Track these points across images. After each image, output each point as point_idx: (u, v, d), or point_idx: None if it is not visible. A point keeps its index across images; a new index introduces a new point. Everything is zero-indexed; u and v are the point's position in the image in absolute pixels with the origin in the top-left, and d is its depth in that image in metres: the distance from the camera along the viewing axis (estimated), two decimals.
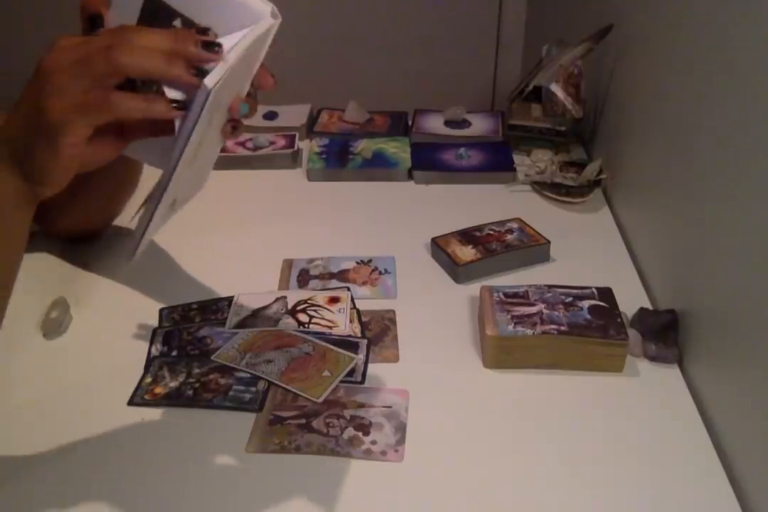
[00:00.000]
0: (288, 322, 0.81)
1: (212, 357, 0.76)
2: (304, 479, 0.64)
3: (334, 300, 0.85)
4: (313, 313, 0.82)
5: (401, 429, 0.69)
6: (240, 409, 0.71)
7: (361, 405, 0.71)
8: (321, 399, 0.71)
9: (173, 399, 0.72)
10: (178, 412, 0.71)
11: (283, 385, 0.73)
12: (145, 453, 0.67)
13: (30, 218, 0.57)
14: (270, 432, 0.68)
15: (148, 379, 0.75)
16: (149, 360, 0.77)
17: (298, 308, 0.83)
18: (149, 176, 0.62)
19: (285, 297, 0.85)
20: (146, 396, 0.72)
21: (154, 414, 0.71)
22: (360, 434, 0.68)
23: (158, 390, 0.73)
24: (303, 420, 0.69)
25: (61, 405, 0.72)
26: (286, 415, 0.70)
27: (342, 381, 0.73)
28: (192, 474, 0.65)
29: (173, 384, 0.74)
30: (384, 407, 0.71)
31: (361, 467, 0.65)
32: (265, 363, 0.75)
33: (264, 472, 0.65)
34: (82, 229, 0.96)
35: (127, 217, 0.99)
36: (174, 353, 0.78)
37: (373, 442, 0.67)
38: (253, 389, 0.73)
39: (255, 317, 0.82)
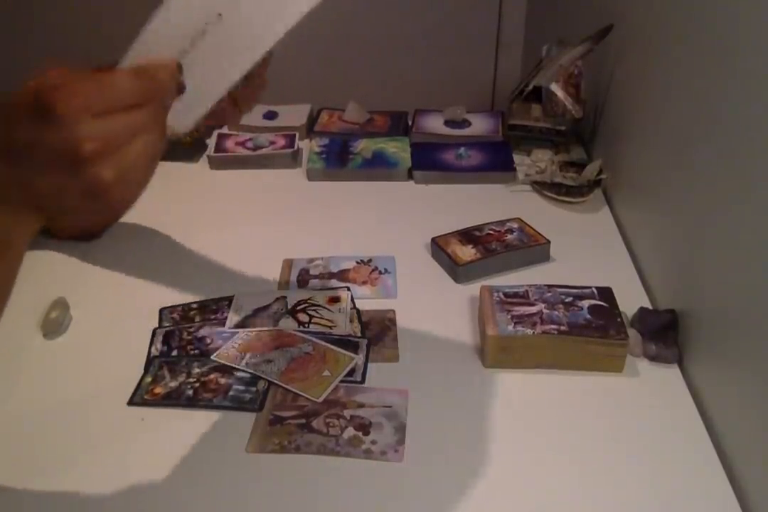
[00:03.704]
0: (288, 322, 0.81)
1: (212, 357, 0.76)
2: (304, 479, 0.64)
3: (334, 299, 0.85)
4: (313, 313, 0.82)
5: (401, 429, 0.69)
6: (240, 409, 0.71)
7: (361, 405, 0.71)
8: (321, 399, 0.71)
9: (173, 399, 0.72)
10: (178, 412, 0.71)
11: (283, 385, 0.73)
12: (144, 452, 0.67)
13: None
14: (270, 432, 0.68)
15: (148, 379, 0.74)
16: (149, 360, 0.77)
17: (298, 308, 0.83)
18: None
19: (285, 297, 0.85)
20: (146, 396, 0.72)
21: (154, 413, 0.71)
22: (360, 434, 0.68)
23: (158, 390, 0.73)
24: (303, 420, 0.69)
25: (61, 404, 0.72)
26: (286, 415, 0.70)
27: (342, 381, 0.73)
28: (192, 474, 0.65)
29: (173, 384, 0.74)
30: (384, 407, 0.71)
31: (361, 467, 0.65)
32: (265, 363, 0.75)
33: (264, 472, 0.65)
34: (82, 229, 0.96)
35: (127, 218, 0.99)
36: (174, 353, 0.78)
37: (373, 442, 0.67)
38: (253, 389, 0.73)
39: (255, 317, 0.82)
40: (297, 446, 0.67)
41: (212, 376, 0.74)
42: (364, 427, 0.69)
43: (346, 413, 0.70)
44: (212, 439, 0.68)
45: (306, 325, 0.81)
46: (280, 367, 0.75)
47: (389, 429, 0.69)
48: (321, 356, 0.76)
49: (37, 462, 0.66)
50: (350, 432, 0.68)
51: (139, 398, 0.72)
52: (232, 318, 0.82)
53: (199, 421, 0.70)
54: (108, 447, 0.67)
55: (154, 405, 0.72)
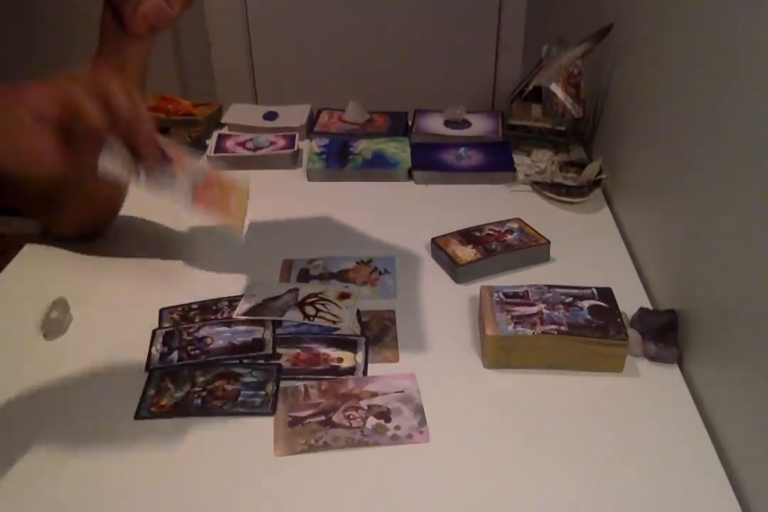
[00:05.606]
0: (294, 314, 0.82)
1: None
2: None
3: (344, 295, 0.85)
4: (320, 307, 0.83)
5: (419, 411, 0.69)
6: (253, 414, 0.70)
7: (375, 394, 0.71)
8: (243, 235, 0.72)
9: (182, 410, 0.71)
10: (191, 423, 0.70)
11: (201, 211, 0.71)
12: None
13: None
14: (293, 434, 0.68)
15: (152, 392, 0.73)
16: (148, 369, 0.76)
17: (307, 300, 0.84)
18: None
19: (297, 289, 0.86)
20: (152, 409, 0.71)
21: (167, 426, 0.69)
22: (382, 421, 0.68)
23: (164, 402, 0.71)
24: (323, 417, 0.69)
25: (61, 405, 0.72)
26: (304, 415, 0.70)
27: (345, 376, 0.74)
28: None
29: (179, 394, 0.72)
30: (397, 392, 0.72)
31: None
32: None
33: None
34: (83, 229, 0.96)
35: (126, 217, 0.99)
36: (174, 354, 0.77)
37: (397, 427, 0.68)
38: (262, 392, 0.72)
39: (264, 306, 0.83)
40: (325, 443, 0.67)
41: (218, 383, 0.73)
42: (384, 414, 0.69)
43: (363, 404, 0.70)
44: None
45: (311, 318, 0.81)
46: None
47: (408, 412, 0.69)
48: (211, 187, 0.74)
49: (38, 464, 0.66)
50: (372, 421, 0.69)
51: (145, 412, 0.71)
52: (242, 305, 0.83)
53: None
54: (109, 449, 0.67)
55: (163, 417, 0.70)
